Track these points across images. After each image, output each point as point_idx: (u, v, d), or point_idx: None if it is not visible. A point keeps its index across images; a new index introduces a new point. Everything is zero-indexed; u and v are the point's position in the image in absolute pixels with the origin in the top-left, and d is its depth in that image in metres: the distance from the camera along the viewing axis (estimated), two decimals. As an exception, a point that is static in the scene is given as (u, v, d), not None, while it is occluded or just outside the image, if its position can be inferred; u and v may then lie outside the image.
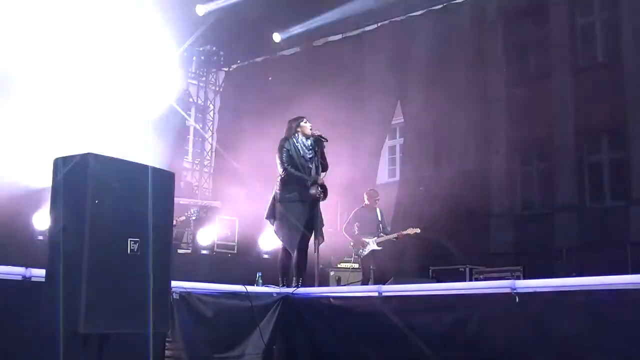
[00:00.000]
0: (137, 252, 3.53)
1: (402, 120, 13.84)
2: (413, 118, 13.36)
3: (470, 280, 9.36)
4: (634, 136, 11.07)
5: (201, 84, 15.88)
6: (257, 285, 6.02)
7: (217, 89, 16.21)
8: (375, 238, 8.70)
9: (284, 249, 6.77)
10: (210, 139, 15.97)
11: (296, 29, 13.45)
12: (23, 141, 8.27)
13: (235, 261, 10.43)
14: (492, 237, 12.14)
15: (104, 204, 3.42)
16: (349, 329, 5.16)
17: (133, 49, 9.93)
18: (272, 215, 6.79)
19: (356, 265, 9.56)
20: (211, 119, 16.03)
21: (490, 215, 12.38)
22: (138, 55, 10.08)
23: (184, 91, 14.57)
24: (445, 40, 12.84)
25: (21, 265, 4.19)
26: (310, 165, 6.82)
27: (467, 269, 9.82)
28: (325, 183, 6.83)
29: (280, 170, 6.74)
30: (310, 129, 6.89)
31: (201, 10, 12.62)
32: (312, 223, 6.65)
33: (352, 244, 9.01)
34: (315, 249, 6.57)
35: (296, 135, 6.85)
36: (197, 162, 15.91)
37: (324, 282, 8.80)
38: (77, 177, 3.46)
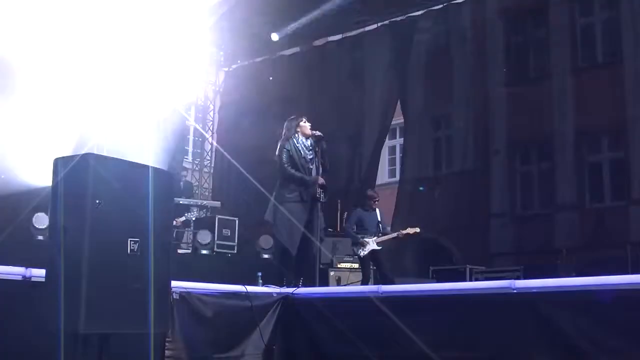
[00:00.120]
0: (137, 252, 3.54)
1: (402, 120, 13.84)
2: (413, 118, 13.36)
3: (470, 280, 9.34)
4: (634, 136, 11.06)
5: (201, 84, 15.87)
6: (257, 285, 6.02)
7: (217, 89, 16.22)
8: (375, 238, 8.69)
9: (284, 249, 6.77)
10: (210, 139, 15.97)
11: (294, 28, 13.39)
12: (23, 140, 8.25)
13: (235, 261, 10.41)
14: (492, 237, 12.13)
15: (104, 204, 3.42)
16: (349, 329, 5.16)
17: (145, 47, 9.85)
18: (272, 216, 6.79)
19: (356, 265, 9.55)
20: (211, 119, 16.02)
21: (490, 215, 12.38)
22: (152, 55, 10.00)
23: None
24: (445, 40, 12.85)
25: (21, 265, 4.19)
26: (311, 166, 6.82)
27: (467, 269, 9.80)
28: (326, 183, 6.83)
29: (280, 170, 6.74)
30: (310, 129, 6.89)
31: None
32: (313, 223, 6.65)
33: (352, 243, 9.01)
34: (315, 249, 6.57)
35: (296, 135, 6.84)
36: (197, 162, 15.91)
37: (324, 282, 8.79)
38: (77, 177, 3.46)
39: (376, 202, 9.07)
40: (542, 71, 12.51)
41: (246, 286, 5.39)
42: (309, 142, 6.86)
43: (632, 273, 4.35)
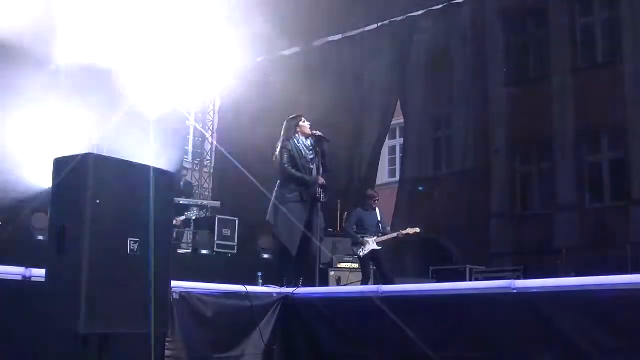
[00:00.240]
0: (137, 252, 3.54)
1: (402, 120, 13.84)
2: (413, 118, 13.37)
3: (470, 280, 9.35)
4: (634, 136, 11.07)
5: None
6: (257, 285, 6.02)
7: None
8: (375, 238, 8.69)
9: (284, 249, 6.76)
10: (210, 139, 15.96)
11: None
12: (24, 140, 8.25)
13: (235, 261, 10.41)
14: (492, 237, 12.14)
15: (104, 204, 3.42)
16: (349, 329, 5.16)
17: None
18: (272, 216, 6.78)
19: (356, 265, 9.55)
20: (211, 119, 16.02)
21: (490, 215, 12.38)
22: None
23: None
24: (445, 40, 12.85)
25: (21, 265, 4.19)
26: (312, 166, 6.81)
27: (467, 269, 9.81)
28: (326, 183, 6.83)
29: (281, 170, 6.73)
30: (310, 128, 6.87)
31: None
32: (313, 223, 6.65)
33: (351, 243, 9.01)
34: (315, 249, 6.56)
35: (296, 135, 6.83)
36: (197, 162, 15.90)
37: (324, 282, 8.79)
38: (77, 177, 3.46)
39: (376, 202, 9.07)
40: (542, 71, 12.51)
41: (246, 286, 5.38)
42: (309, 142, 6.85)
43: (632, 273, 4.34)
